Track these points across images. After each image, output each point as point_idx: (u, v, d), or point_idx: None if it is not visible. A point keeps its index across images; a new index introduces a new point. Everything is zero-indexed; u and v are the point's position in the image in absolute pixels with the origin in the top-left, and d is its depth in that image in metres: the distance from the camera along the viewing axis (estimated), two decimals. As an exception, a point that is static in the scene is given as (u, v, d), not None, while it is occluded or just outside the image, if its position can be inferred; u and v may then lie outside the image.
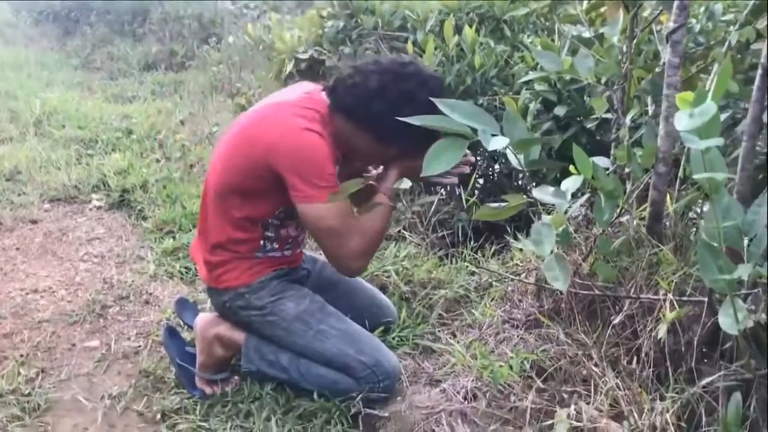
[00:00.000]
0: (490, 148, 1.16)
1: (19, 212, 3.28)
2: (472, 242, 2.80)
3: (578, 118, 2.84)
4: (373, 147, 1.68)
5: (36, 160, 3.94)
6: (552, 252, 1.36)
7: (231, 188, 1.71)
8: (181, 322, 2.20)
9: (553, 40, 3.43)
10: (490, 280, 2.37)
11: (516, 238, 2.70)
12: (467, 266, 2.54)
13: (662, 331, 1.48)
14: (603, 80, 1.80)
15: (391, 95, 1.57)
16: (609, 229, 1.88)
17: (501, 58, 3.44)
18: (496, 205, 1.45)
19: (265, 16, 6.33)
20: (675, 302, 1.55)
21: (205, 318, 1.91)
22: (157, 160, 3.89)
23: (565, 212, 1.53)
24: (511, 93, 3.29)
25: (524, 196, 1.44)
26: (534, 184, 2.70)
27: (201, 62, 6.59)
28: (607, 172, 2.14)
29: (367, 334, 1.84)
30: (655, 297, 1.63)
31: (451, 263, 2.64)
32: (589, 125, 2.78)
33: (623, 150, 1.68)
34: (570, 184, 1.80)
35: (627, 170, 1.78)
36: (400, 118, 1.36)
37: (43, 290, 2.57)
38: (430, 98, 1.38)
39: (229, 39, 5.83)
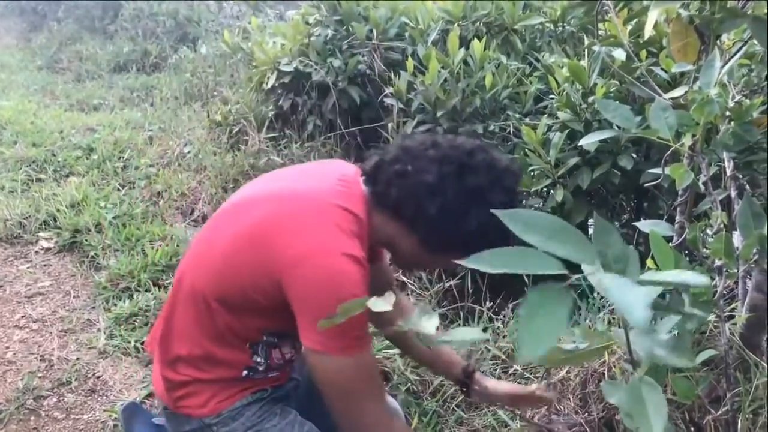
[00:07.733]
0: (615, 301, 0.67)
1: (-50, 258, 2.79)
2: (488, 301, 2.35)
3: (609, 153, 2.42)
4: (421, 253, 1.25)
5: (-22, 188, 3.43)
6: None
7: (221, 297, 1.23)
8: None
9: (565, 53, 2.99)
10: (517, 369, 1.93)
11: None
12: (486, 340, 2.10)
13: None
14: (687, 142, 1.34)
15: (453, 193, 1.16)
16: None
17: (513, 75, 2.99)
18: (570, 347, 0.98)
19: (245, 16, 5.81)
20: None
21: (156, 452, 1.44)
22: (118, 188, 3.39)
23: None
24: (523, 116, 2.85)
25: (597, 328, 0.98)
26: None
27: (175, 63, 6.03)
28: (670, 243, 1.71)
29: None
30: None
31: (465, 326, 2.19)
32: (624, 163, 2.35)
33: (720, 243, 1.24)
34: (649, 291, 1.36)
35: (717, 262, 1.33)
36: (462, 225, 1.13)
37: (-36, 372, 2.09)
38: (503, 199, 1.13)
39: (203, 49, 5.25)
